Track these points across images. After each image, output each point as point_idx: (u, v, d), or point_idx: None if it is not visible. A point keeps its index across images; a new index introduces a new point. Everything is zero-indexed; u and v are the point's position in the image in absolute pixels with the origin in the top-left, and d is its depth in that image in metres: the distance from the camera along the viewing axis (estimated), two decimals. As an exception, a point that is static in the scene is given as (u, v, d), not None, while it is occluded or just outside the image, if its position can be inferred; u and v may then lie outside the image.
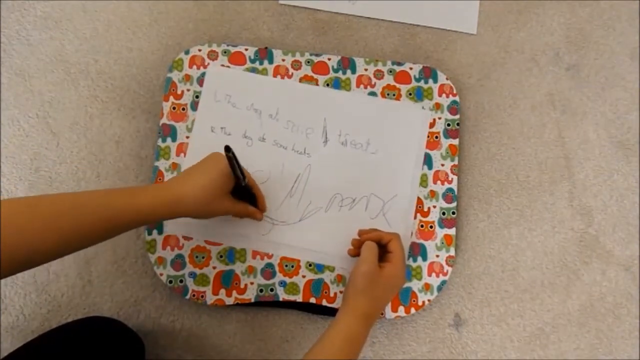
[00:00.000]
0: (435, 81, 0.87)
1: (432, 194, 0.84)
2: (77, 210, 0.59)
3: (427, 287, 0.81)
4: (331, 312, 0.80)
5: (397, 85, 0.86)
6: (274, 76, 0.86)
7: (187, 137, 0.83)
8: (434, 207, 0.83)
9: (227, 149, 0.66)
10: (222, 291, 0.79)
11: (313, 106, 0.85)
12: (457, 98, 0.87)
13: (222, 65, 0.85)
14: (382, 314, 0.80)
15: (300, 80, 0.86)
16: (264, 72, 0.86)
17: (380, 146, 0.84)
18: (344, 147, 0.84)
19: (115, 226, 0.62)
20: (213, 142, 0.83)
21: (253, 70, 0.86)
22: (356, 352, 0.67)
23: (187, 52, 0.86)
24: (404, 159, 0.84)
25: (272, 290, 0.80)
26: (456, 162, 0.85)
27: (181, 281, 0.79)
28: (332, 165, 0.83)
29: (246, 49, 0.86)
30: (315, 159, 0.83)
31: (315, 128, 0.84)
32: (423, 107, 0.86)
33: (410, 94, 0.86)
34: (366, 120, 0.85)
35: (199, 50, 0.86)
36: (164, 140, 0.83)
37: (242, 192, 0.74)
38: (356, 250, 0.78)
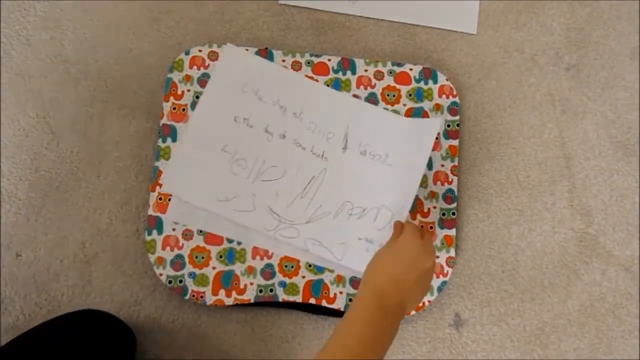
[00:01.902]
0: (435, 82, 0.87)
1: (432, 195, 0.84)
2: None
3: (427, 288, 0.81)
4: (331, 312, 0.80)
5: (397, 86, 0.86)
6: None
7: (188, 137, 0.83)
8: (434, 207, 0.83)
9: None
10: (222, 291, 0.79)
11: (339, 113, 0.85)
12: (457, 99, 0.87)
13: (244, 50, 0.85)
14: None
15: (300, 80, 0.86)
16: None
17: (398, 160, 0.83)
18: (363, 156, 0.83)
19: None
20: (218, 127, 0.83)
21: (253, 70, 0.86)
22: (365, 331, 0.61)
23: (187, 53, 0.86)
24: (418, 171, 0.81)
25: (271, 290, 0.80)
26: (456, 163, 0.85)
27: (181, 281, 0.79)
28: (347, 172, 0.83)
29: (246, 50, 0.86)
30: (332, 163, 0.83)
31: (337, 133, 0.84)
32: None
33: (410, 95, 0.86)
34: (389, 136, 0.84)
35: (200, 50, 0.86)
36: (164, 141, 0.83)
37: None
38: None
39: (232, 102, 0.84)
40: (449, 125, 0.86)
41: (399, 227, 0.74)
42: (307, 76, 0.86)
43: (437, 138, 0.85)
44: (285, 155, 0.83)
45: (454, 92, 0.87)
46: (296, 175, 0.82)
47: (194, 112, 0.83)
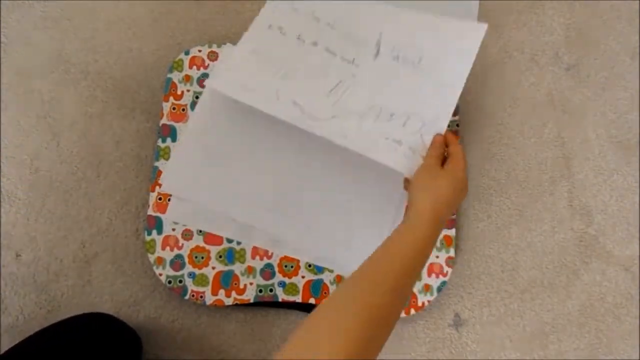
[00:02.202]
0: (435, 81, 0.86)
1: (432, 194, 0.83)
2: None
3: (426, 288, 0.81)
4: (331, 312, 0.80)
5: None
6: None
7: (187, 137, 0.83)
8: (434, 207, 0.83)
9: None
10: (222, 291, 0.79)
11: (373, 19, 0.82)
12: (457, 99, 0.86)
13: None
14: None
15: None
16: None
17: (433, 66, 0.78)
18: (395, 62, 0.79)
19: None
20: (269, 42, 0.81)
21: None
22: (424, 253, 0.62)
23: (187, 53, 0.86)
24: (456, 82, 0.76)
25: (271, 290, 0.80)
26: (456, 163, 0.85)
27: (180, 281, 0.79)
28: (378, 78, 0.78)
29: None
30: (362, 69, 0.79)
31: (370, 40, 0.80)
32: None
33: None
34: (425, 39, 0.80)
35: (199, 51, 0.86)
36: (164, 141, 0.83)
37: None
38: None
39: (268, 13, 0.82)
40: (448, 126, 0.85)
41: (441, 142, 0.71)
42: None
43: None
44: (315, 62, 0.79)
45: (454, 92, 0.86)
46: (325, 78, 0.78)
47: (194, 112, 0.83)
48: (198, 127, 0.82)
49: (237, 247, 0.81)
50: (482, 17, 0.93)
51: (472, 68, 0.90)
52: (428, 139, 0.73)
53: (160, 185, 0.81)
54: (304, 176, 0.82)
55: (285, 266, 0.80)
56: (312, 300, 0.80)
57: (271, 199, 0.82)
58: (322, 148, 0.83)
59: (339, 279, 0.81)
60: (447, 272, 0.82)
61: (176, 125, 0.83)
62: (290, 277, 0.80)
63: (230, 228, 0.81)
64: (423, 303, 0.81)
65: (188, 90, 0.84)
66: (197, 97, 0.84)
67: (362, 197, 0.82)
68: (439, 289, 0.81)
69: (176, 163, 0.81)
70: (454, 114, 0.86)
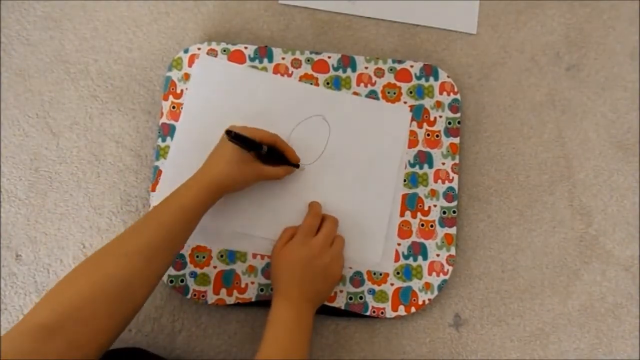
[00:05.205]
0: (436, 79, 0.87)
1: (433, 193, 0.84)
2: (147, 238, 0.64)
3: (427, 287, 0.81)
4: (331, 311, 0.80)
5: (398, 84, 0.86)
6: (274, 73, 0.85)
7: (187, 137, 0.83)
8: (435, 206, 0.83)
9: (228, 132, 0.67)
10: (223, 291, 0.79)
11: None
12: (458, 96, 0.87)
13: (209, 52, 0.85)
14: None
15: (300, 78, 0.85)
16: (264, 70, 0.86)
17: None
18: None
19: (183, 232, 0.69)
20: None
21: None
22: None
23: (186, 51, 0.86)
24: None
25: (272, 289, 0.80)
26: (457, 161, 0.85)
27: (182, 281, 0.79)
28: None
29: (245, 48, 0.86)
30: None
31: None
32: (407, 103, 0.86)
33: (410, 92, 0.86)
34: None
35: (198, 48, 0.86)
36: (163, 140, 0.83)
37: (269, 155, 0.75)
38: None
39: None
40: (450, 123, 0.86)
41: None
42: (307, 74, 0.86)
43: (437, 136, 0.85)
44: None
45: (455, 89, 0.87)
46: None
47: (175, 135, 0.83)
48: (182, 144, 0.83)
49: (236, 249, 0.80)
50: (482, 17, 0.93)
51: (472, 68, 0.91)
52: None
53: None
54: (301, 183, 0.83)
55: (286, 266, 0.80)
56: (312, 300, 0.80)
57: (270, 207, 0.82)
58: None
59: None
60: (447, 270, 0.82)
61: (176, 124, 0.83)
62: (290, 277, 0.80)
63: (222, 240, 0.81)
64: (424, 301, 0.81)
65: (187, 89, 0.84)
66: (197, 97, 0.84)
67: (360, 200, 0.83)
68: (440, 287, 0.81)
69: (166, 185, 0.81)
70: (455, 111, 0.86)
